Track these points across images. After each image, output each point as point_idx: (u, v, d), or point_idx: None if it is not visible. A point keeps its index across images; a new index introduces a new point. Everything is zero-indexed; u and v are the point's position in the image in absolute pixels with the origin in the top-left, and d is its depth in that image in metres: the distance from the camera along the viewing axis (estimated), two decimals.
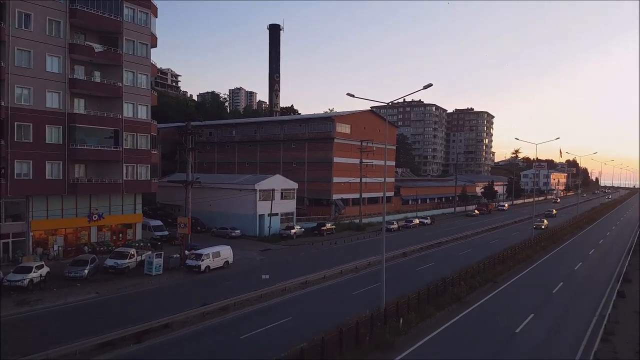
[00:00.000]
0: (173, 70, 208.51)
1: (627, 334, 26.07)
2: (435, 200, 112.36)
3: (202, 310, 28.09)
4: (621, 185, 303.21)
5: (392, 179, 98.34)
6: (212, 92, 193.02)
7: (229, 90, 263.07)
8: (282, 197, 62.99)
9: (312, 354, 20.12)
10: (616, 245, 60.52)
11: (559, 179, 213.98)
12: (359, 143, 72.75)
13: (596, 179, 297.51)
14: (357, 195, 75.16)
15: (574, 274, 42.29)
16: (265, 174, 68.02)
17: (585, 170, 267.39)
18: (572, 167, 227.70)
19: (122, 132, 45.53)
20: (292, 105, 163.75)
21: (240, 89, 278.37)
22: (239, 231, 58.13)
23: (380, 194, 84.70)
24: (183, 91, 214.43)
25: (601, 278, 40.85)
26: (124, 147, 45.76)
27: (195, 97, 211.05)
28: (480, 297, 33.50)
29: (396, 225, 72.29)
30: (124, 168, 45.96)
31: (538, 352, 23.53)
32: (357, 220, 71.67)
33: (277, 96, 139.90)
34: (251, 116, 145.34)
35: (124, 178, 45.96)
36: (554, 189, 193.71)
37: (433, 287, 31.53)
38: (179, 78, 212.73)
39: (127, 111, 46.35)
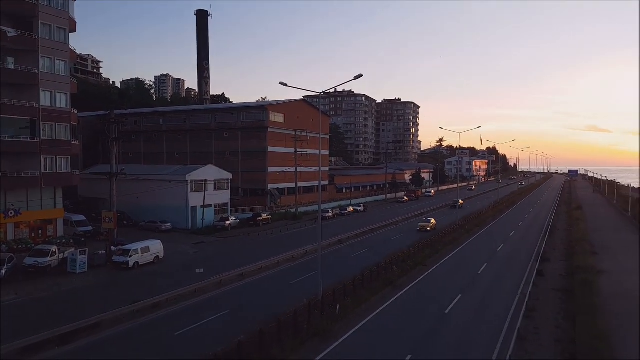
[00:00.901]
0: (94, 56, 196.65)
1: (547, 310, 28.17)
2: (368, 188, 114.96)
3: (133, 308, 26.96)
4: (537, 171, 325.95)
5: (327, 168, 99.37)
6: (137, 79, 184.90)
7: (155, 77, 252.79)
8: (215, 188, 61.66)
9: (251, 347, 19.99)
10: (534, 227, 64.99)
11: (480, 166, 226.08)
12: (293, 132, 72.62)
13: (514, 164, 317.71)
14: (292, 185, 75.24)
15: (496, 255, 44.98)
16: (196, 165, 66.19)
17: (504, 157, 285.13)
18: (492, 154, 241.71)
19: (39, 122, 42.37)
20: (223, 94, 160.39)
21: (167, 75, 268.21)
22: (169, 224, 56.31)
23: (315, 183, 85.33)
24: (105, 78, 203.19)
25: (522, 258, 43.73)
26: (42, 137, 42.69)
27: (118, 85, 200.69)
28: (411, 280, 34.80)
29: (331, 214, 73.27)
30: (42, 160, 42.90)
31: (467, 331, 24.81)
32: (293, 210, 71.79)
33: (207, 84, 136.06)
34: (179, 104, 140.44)
35: (42, 171, 42.91)
36: (476, 175, 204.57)
37: (367, 272, 32.39)
38: (101, 64, 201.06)
39: (45, 99, 43.19)
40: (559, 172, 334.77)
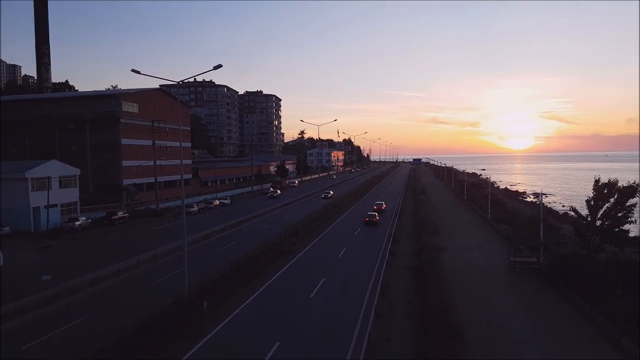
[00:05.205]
0: None
1: (399, 287, 30.93)
2: (234, 181, 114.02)
3: None
4: (387, 160, 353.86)
5: (189, 161, 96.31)
6: None
7: None
8: (61, 186, 56.07)
9: (111, 354, 18.80)
10: (385, 211, 70.33)
11: (338, 156, 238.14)
12: (150, 124, 68.86)
13: (367, 155, 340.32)
14: (152, 180, 71.41)
15: (354, 239, 48.02)
16: (38, 160, 59.31)
17: (359, 148, 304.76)
18: (348, 145, 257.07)
19: None
20: (67, 81, 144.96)
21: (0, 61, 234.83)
22: (7, 228, 49.78)
23: (177, 177, 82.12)
24: None
25: (376, 239, 47.33)
26: None
27: None
28: (278, 269, 35.56)
29: (196, 208, 71.21)
30: None
31: (331, 313, 26.14)
32: (153, 206, 68.24)
33: (48, 70, 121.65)
34: (15, 93, 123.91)
35: None
36: (334, 165, 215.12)
37: (235, 265, 32.44)
38: None
39: None
40: (405, 160, 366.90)
